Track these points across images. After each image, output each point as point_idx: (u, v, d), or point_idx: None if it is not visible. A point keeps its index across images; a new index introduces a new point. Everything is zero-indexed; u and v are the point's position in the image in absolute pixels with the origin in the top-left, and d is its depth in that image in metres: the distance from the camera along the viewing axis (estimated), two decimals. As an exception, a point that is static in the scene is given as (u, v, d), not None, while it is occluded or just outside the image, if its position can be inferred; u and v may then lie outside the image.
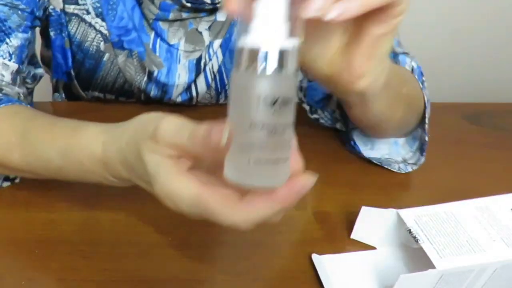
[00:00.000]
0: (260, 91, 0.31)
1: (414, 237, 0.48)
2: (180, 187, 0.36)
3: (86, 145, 0.46)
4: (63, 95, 0.79)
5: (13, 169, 0.53)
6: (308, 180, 0.34)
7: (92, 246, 0.52)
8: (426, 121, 0.64)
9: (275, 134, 0.31)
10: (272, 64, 0.31)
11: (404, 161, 0.68)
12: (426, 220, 0.50)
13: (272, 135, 0.31)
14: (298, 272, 0.52)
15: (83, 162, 0.47)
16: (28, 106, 0.58)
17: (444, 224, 0.50)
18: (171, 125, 0.37)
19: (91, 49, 0.70)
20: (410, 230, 0.49)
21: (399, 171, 0.67)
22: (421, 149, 0.66)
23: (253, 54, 0.31)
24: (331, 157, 0.68)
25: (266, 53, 0.30)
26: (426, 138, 0.65)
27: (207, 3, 0.68)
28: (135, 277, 0.49)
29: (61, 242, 0.53)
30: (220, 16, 0.71)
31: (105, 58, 0.71)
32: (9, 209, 0.56)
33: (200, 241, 0.48)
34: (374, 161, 0.67)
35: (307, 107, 0.72)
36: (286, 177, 0.33)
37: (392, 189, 0.64)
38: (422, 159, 0.66)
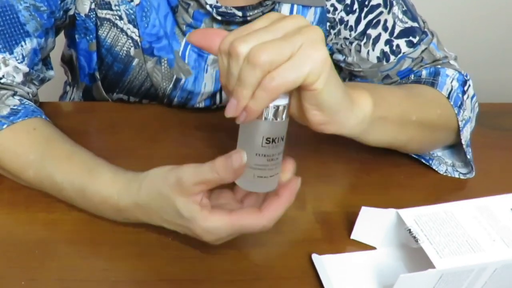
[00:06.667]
0: (264, 133, 0.44)
1: (414, 237, 0.48)
2: (216, 224, 0.46)
3: (100, 190, 0.51)
4: (81, 95, 0.80)
5: (26, 182, 0.56)
6: (298, 182, 0.47)
7: (92, 246, 0.52)
8: (462, 142, 0.65)
9: (272, 160, 0.45)
10: (272, 115, 0.43)
11: (453, 165, 0.68)
12: (426, 220, 0.50)
13: (270, 161, 0.45)
14: (298, 272, 0.52)
15: (96, 204, 0.52)
16: (45, 120, 0.60)
17: (444, 224, 0.50)
18: (190, 170, 0.45)
19: (121, 53, 0.71)
20: (410, 230, 0.49)
21: (445, 174, 0.67)
22: (470, 165, 0.67)
23: None
24: (331, 157, 0.68)
25: (269, 107, 0.43)
26: (468, 156, 0.65)
27: (238, 16, 0.68)
28: (135, 277, 0.49)
29: (61, 242, 0.53)
30: None
31: (134, 63, 0.72)
32: (9, 209, 0.56)
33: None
34: (423, 160, 0.68)
35: None
36: (276, 184, 0.47)
37: (392, 189, 0.64)
38: (472, 174, 0.67)
